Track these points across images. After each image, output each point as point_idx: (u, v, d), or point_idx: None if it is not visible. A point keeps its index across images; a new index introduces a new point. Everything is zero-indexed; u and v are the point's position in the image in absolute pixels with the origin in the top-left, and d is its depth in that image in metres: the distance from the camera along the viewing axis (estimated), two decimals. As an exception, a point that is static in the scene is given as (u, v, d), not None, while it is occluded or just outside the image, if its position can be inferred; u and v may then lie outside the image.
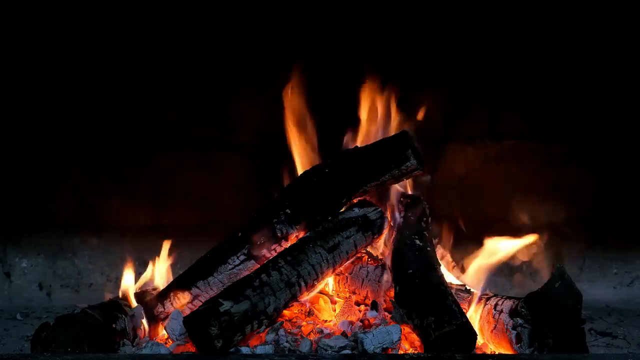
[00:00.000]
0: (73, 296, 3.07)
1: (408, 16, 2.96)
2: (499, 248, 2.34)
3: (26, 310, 2.91)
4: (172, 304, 2.24)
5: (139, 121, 3.05)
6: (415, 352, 2.00)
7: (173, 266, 2.48)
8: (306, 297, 2.20)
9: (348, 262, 2.29)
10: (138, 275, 2.41)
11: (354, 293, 2.33)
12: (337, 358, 1.90)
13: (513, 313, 2.01)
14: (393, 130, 2.48)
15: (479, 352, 2.05)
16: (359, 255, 2.33)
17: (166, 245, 2.46)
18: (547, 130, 3.08)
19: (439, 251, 2.44)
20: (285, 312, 2.15)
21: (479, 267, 2.32)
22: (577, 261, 3.11)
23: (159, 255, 2.45)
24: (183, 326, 2.00)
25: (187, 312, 2.14)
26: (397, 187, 2.45)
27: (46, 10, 2.93)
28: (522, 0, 2.97)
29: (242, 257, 2.25)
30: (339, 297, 2.35)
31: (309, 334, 2.09)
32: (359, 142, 2.45)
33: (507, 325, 2.01)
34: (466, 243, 2.60)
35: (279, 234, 2.27)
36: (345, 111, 2.56)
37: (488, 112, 3.08)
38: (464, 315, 1.94)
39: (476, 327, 2.04)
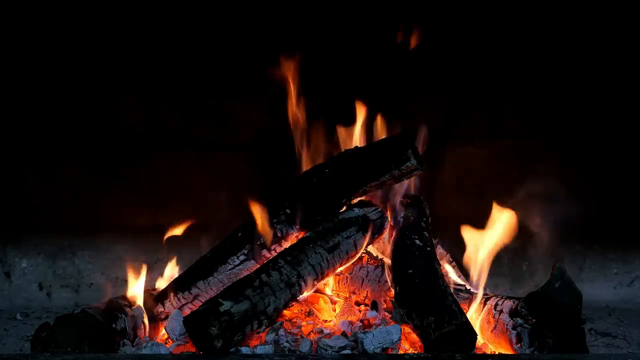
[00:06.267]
0: (73, 296, 3.07)
1: (409, 16, 2.96)
2: (484, 240, 2.31)
3: (26, 310, 2.92)
4: (172, 304, 2.24)
5: (139, 121, 3.05)
6: (415, 352, 2.00)
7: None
8: (305, 295, 2.21)
9: (348, 262, 2.29)
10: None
11: (354, 293, 2.33)
12: (337, 358, 1.90)
13: (513, 313, 2.01)
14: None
15: (479, 352, 2.05)
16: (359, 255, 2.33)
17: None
18: (547, 130, 3.08)
19: (439, 251, 2.44)
20: (285, 312, 2.15)
21: (478, 267, 2.31)
22: (577, 261, 3.11)
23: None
24: (183, 326, 2.00)
25: (187, 312, 2.14)
26: (397, 187, 2.46)
27: (48, 10, 2.93)
28: (522, 3, 2.97)
29: (242, 257, 2.25)
30: (339, 297, 2.35)
31: (309, 334, 2.09)
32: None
33: (507, 325, 2.01)
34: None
35: (279, 234, 2.27)
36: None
37: (488, 112, 3.08)
38: (464, 315, 1.94)
39: (476, 327, 2.04)
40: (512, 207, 2.79)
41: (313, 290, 2.26)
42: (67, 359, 1.83)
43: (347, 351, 1.95)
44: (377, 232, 2.31)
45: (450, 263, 2.47)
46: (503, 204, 2.31)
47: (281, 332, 2.04)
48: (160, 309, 2.25)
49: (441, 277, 2.12)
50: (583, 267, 3.12)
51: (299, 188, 2.33)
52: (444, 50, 2.99)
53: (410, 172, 2.28)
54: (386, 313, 2.20)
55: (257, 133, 3.02)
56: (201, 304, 2.09)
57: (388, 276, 2.25)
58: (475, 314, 2.14)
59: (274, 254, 2.24)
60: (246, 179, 3.03)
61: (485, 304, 2.14)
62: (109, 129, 3.04)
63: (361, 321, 2.17)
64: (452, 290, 2.09)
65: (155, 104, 3.05)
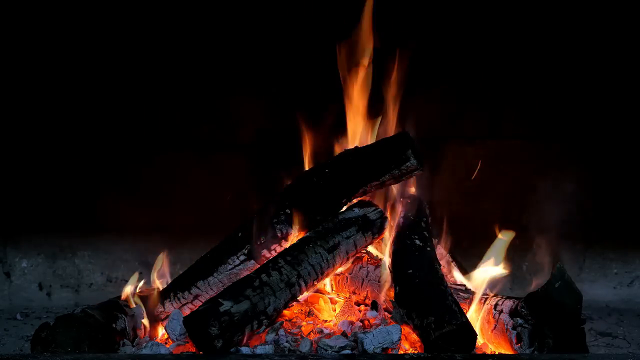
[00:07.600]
0: (73, 296, 3.07)
1: (410, 17, 2.96)
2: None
3: (26, 310, 2.92)
4: (172, 304, 2.25)
5: (139, 121, 3.05)
6: (415, 352, 2.00)
7: (173, 266, 2.48)
8: (305, 295, 2.20)
9: (348, 262, 2.29)
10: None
11: (354, 293, 2.33)
12: (337, 358, 1.90)
13: (513, 313, 2.01)
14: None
15: (479, 352, 2.05)
16: (359, 255, 2.33)
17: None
18: (547, 130, 3.08)
19: (439, 251, 2.44)
20: (285, 312, 2.15)
21: (481, 270, 2.32)
22: (577, 261, 3.12)
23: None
24: (183, 326, 2.00)
25: (187, 312, 2.14)
26: (397, 187, 2.45)
27: (50, 10, 2.93)
28: (522, 2, 2.97)
29: (242, 257, 2.25)
30: (339, 297, 2.35)
31: (309, 334, 2.09)
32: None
33: (507, 325, 2.01)
34: (466, 243, 2.61)
35: (279, 234, 2.27)
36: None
37: (488, 112, 3.08)
38: (463, 315, 1.94)
39: (476, 327, 2.03)
40: (512, 207, 2.79)
41: (313, 290, 2.26)
42: (67, 359, 1.83)
43: (347, 351, 1.95)
44: (377, 232, 2.31)
45: (450, 263, 2.47)
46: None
47: (281, 332, 2.04)
48: (160, 309, 2.25)
49: (441, 277, 2.12)
50: (583, 267, 3.12)
51: (299, 188, 2.33)
52: (444, 49, 2.99)
53: (410, 172, 2.28)
54: (386, 313, 2.20)
55: (257, 133, 3.02)
56: (201, 304, 2.09)
57: (388, 276, 2.25)
58: (475, 314, 2.14)
59: (274, 254, 2.24)
60: (246, 179, 3.03)
61: (485, 304, 2.14)
62: (109, 129, 3.04)
63: (361, 321, 2.17)
64: (452, 290, 2.09)
65: (155, 104, 3.05)
